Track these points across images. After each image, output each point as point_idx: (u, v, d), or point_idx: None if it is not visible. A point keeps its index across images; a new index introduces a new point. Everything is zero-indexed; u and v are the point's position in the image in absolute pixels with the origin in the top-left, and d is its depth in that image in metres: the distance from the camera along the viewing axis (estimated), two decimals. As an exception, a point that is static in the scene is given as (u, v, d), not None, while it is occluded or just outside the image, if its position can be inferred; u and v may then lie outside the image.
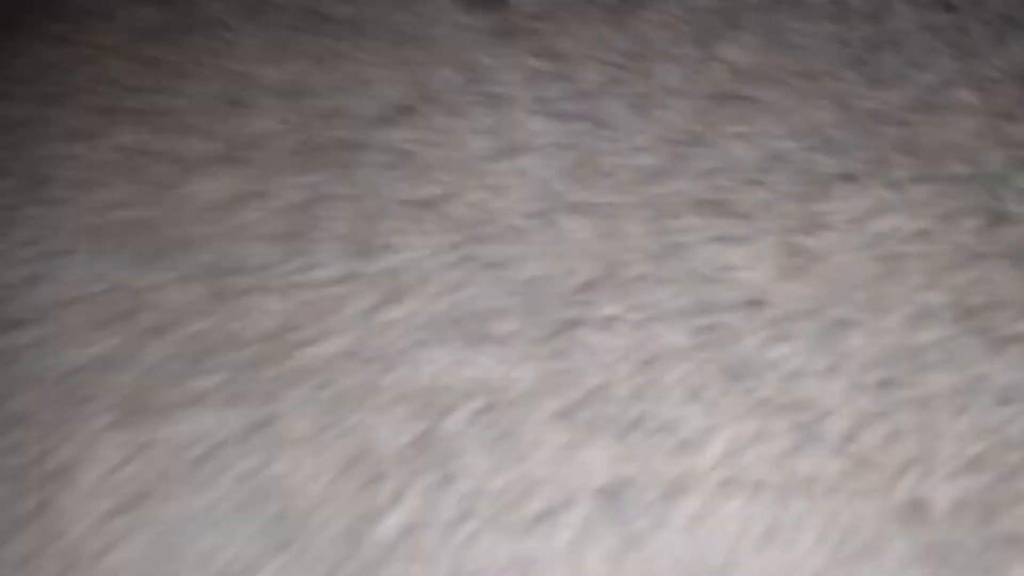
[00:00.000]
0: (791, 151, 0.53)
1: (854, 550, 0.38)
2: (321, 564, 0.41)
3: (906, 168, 0.52)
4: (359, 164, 0.57)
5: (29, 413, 0.49)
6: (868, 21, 0.59)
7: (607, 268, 0.49)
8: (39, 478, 0.46)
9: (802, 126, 0.54)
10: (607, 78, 0.59)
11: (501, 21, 0.64)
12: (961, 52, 0.57)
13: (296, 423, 0.46)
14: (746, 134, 0.54)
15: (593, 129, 0.56)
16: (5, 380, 0.50)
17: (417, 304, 0.49)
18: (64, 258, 0.56)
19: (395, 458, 0.43)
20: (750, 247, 0.48)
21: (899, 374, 0.43)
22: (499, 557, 0.40)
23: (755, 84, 0.57)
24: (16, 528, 0.45)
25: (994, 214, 0.50)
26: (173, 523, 0.44)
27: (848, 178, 0.51)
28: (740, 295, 0.47)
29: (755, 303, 0.46)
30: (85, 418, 0.48)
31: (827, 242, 0.48)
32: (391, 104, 0.60)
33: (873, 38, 0.58)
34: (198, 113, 0.62)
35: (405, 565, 0.40)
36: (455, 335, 0.47)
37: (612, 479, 0.41)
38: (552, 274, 0.49)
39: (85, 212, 0.58)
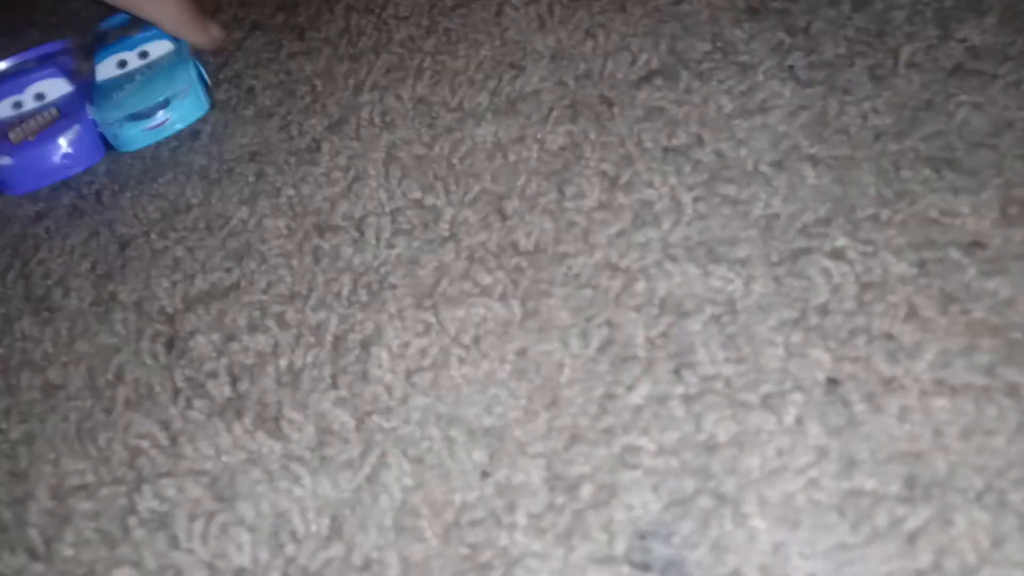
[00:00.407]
0: (1020, 119, 0.57)
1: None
2: (581, 419, 0.49)
3: None
4: (617, 117, 0.66)
5: (348, 295, 0.59)
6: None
7: (840, 208, 0.55)
8: (356, 343, 0.57)
9: (1033, 98, 0.58)
10: (848, 51, 0.65)
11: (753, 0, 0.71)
12: None
13: (560, 314, 0.54)
14: (978, 103, 0.59)
15: (832, 93, 0.62)
16: (332, 272, 0.61)
17: (666, 228, 0.57)
18: (365, 181, 0.67)
19: (643, 344, 0.51)
20: (974, 197, 0.53)
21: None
22: (730, 427, 0.47)
23: (990, 61, 0.61)
24: (336, 375, 0.55)
25: None
26: (454, 386, 0.53)
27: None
28: (963, 236, 0.52)
29: (976, 244, 0.51)
30: (390, 301, 0.58)
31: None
32: (648, 68, 0.68)
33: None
34: (481, 72, 0.72)
35: (648, 425, 0.48)
36: (698, 255, 0.55)
37: (835, 373, 0.47)
38: (788, 212, 0.56)
39: (384, 146, 0.69)
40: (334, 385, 0.55)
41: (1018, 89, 0.59)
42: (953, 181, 0.55)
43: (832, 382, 0.47)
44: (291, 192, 0.67)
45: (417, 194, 0.65)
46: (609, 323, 0.53)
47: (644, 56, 0.70)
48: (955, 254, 0.51)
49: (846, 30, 0.67)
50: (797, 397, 0.47)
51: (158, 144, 0.75)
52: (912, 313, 0.49)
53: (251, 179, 0.69)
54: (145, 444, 0.55)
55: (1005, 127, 0.57)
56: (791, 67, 0.65)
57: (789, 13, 0.69)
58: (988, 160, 0.56)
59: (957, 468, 0.44)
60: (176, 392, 0.57)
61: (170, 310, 0.62)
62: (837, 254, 0.53)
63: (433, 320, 0.56)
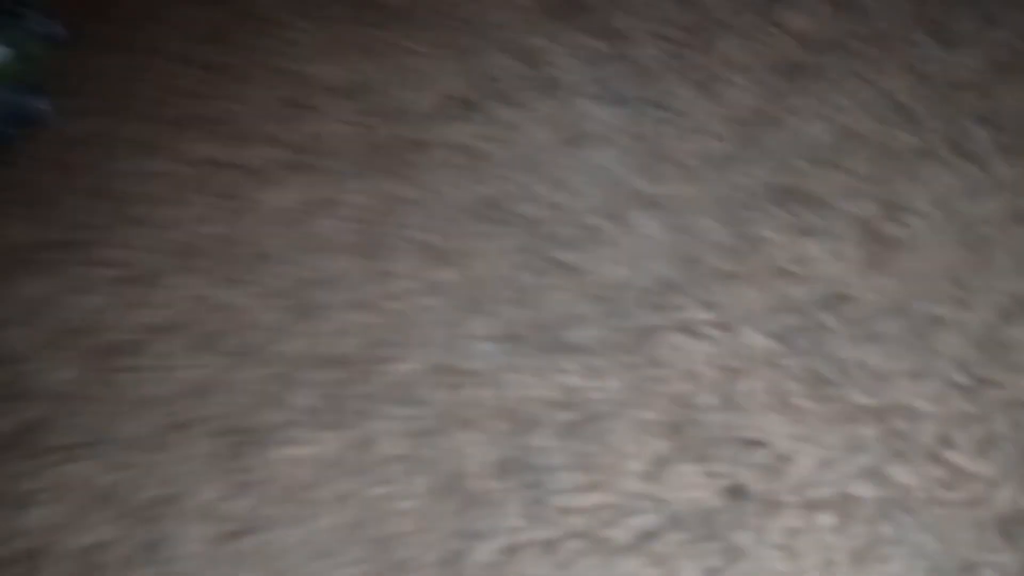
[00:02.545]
0: (865, 128, 0.52)
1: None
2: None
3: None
4: (430, 166, 0.57)
5: (146, 438, 0.51)
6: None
7: (686, 266, 0.49)
8: (145, 504, 0.49)
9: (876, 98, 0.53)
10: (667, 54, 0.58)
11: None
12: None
13: (390, 443, 0.47)
14: (817, 110, 0.53)
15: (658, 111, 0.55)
16: (131, 406, 0.52)
17: (504, 315, 0.50)
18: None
19: (492, 474, 0.45)
20: (830, 237, 0.48)
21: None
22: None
23: (823, 50, 0.55)
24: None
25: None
26: (282, 551, 0.45)
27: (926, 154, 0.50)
28: (823, 289, 0.46)
29: (841, 297, 0.46)
30: (194, 443, 0.50)
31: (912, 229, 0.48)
32: (461, 97, 0.60)
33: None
34: (261, 118, 0.63)
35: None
36: (543, 343, 0.48)
37: (704, 493, 0.42)
38: (629, 277, 0.49)
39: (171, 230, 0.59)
40: (140, 565, 0.47)
41: (856, 84, 0.53)
42: (802, 216, 0.49)
43: (703, 506, 0.42)
44: (68, 305, 0.57)
45: (214, 290, 0.56)
46: (447, 450, 0.46)
47: (443, 81, 0.61)
48: (819, 315, 0.46)
49: (664, 28, 0.59)
50: (667, 531, 0.41)
51: None
52: (783, 403, 0.44)
53: (21, 291, 0.59)
54: None
55: (847, 138, 0.52)
56: (605, 81, 0.58)
57: (594, 10, 0.62)
58: (837, 184, 0.50)
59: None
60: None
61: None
62: (689, 329, 0.47)
63: (243, 465, 0.48)
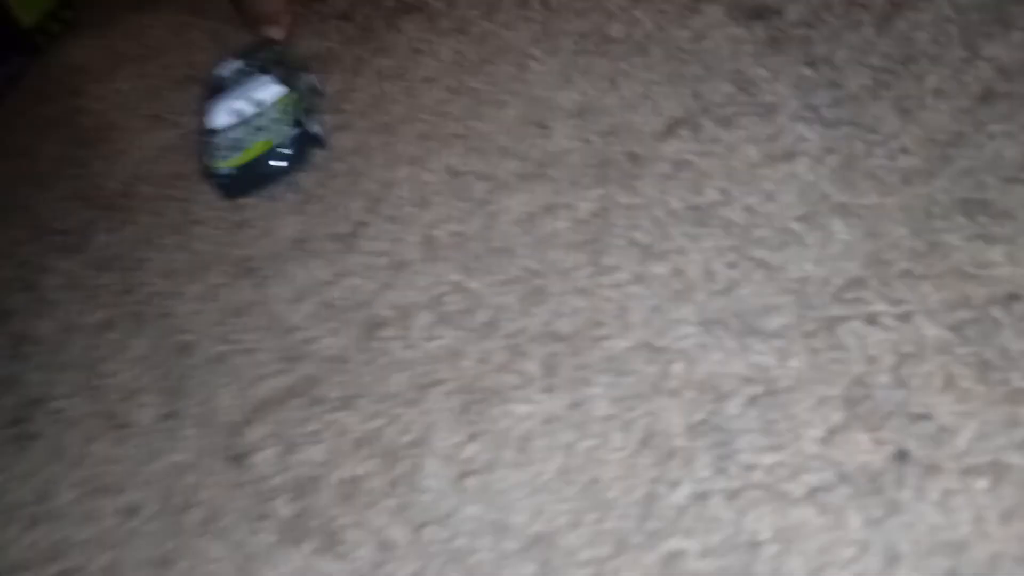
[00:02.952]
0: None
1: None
2: (626, 522, 0.50)
3: None
4: (645, 176, 0.65)
5: (397, 394, 0.61)
6: None
7: (873, 266, 0.54)
8: (407, 450, 0.58)
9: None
10: (873, 82, 0.63)
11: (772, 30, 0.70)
12: None
13: (601, 405, 0.55)
14: (1010, 132, 0.57)
15: (859, 133, 0.61)
16: (382, 371, 0.63)
17: (701, 301, 0.57)
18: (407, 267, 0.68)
19: (684, 434, 0.51)
20: (1009, 244, 0.52)
21: None
22: (772, 524, 0.47)
23: (1020, 80, 0.59)
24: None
25: None
26: (503, 490, 0.54)
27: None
28: (999, 289, 0.51)
29: (1013, 296, 0.50)
30: (438, 398, 0.60)
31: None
32: (672, 118, 0.68)
33: None
34: (509, 136, 0.73)
35: (692, 526, 0.48)
36: (734, 328, 0.54)
37: (874, 458, 0.47)
38: (820, 274, 0.55)
39: (422, 227, 0.70)
40: (390, 495, 0.56)
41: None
42: (986, 226, 0.54)
43: (870, 468, 0.47)
44: (337, 286, 0.68)
45: (456, 276, 0.66)
46: (649, 413, 0.54)
47: (667, 104, 0.69)
48: (993, 312, 0.50)
49: (870, 57, 0.65)
50: (837, 487, 0.47)
51: (201, 236, 0.77)
52: (950, 383, 0.49)
53: (298, 274, 0.71)
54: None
55: (1040, 156, 0.56)
56: (815, 106, 0.64)
57: (811, 42, 0.68)
58: (1022, 198, 0.54)
59: (998, 559, 0.43)
60: (244, 512, 0.59)
61: (233, 419, 0.65)
62: (872, 319, 0.53)
63: (478, 419, 0.57)
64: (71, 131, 0.94)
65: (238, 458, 0.62)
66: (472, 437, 0.57)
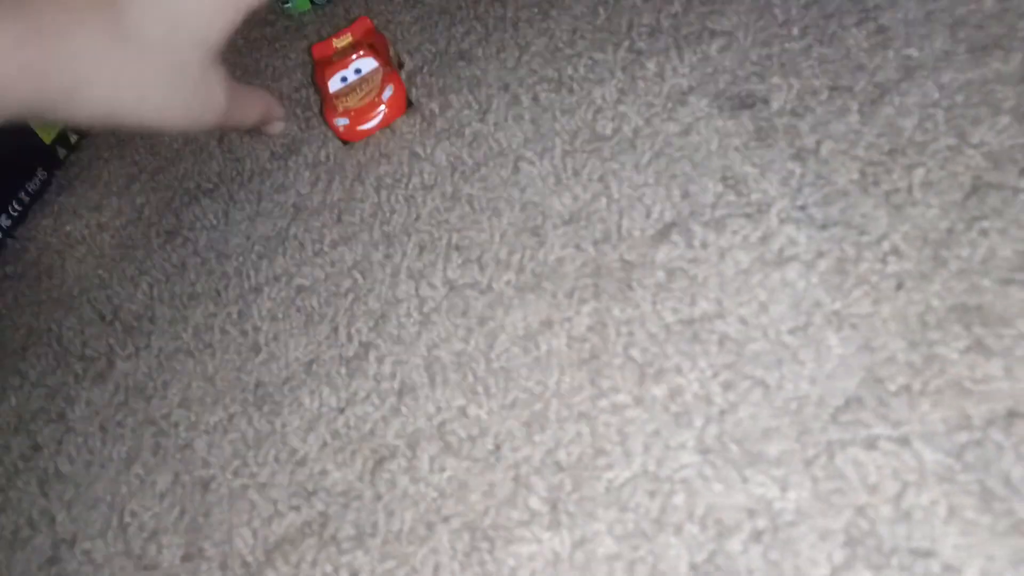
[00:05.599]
0: (1053, 243, 0.54)
1: None
2: None
3: None
4: (638, 287, 0.65)
5: (408, 532, 0.61)
6: None
7: (869, 383, 0.53)
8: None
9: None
10: (861, 176, 0.62)
11: (760, 121, 0.69)
12: None
13: (606, 542, 0.54)
14: (1002, 228, 0.56)
15: (849, 234, 0.60)
16: (391, 505, 0.63)
17: (699, 427, 0.56)
18: (412, 392, 0.68)
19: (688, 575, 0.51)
20: (1007, 357, 0.51)
21: None
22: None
23: (1010, 169, 0.58)
24: None
25: None
26: None
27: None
28: (999, 406, 0.49)
29: (1014, 414, 0.49)
30: (445, 536, 0.60)
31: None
32: (662, 222, 0.67)
33: None
34: (505, 246, 0.73)
35: None
36: (734, 456, 0.54)
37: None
38: (817, 393, 0.54)
39: (425, 347, 0.70)
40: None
41: (1044, 201, 0.56)
42: (983, 337, 0.52)
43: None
44: (345, 414, 0.69)
45: (461, 401, 0.66)
46: (652, 552, 0.53)
47: (658, 208, 0.68)
48: (993, 434, 0.49)
49: (857, 148, 0.64)
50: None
51: (217, 366, 0.78)
52: (953, 515, 0.48)
53: (307, 402, 0.71)
54: None
55: (1035, 254, 0.54)
56: (804, 206, 0.63)
57: (797, 132, 0.67)
58: (1019, 303, 0.53)
59: None
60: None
61: (251, 560, 0.65)
62: (871, 443, 0.52)
63: (487, 558, 0.57)
64: (91, 248, 0.96)
65: (257, 605, 0.63)
66: (478, 579, 0.57)
